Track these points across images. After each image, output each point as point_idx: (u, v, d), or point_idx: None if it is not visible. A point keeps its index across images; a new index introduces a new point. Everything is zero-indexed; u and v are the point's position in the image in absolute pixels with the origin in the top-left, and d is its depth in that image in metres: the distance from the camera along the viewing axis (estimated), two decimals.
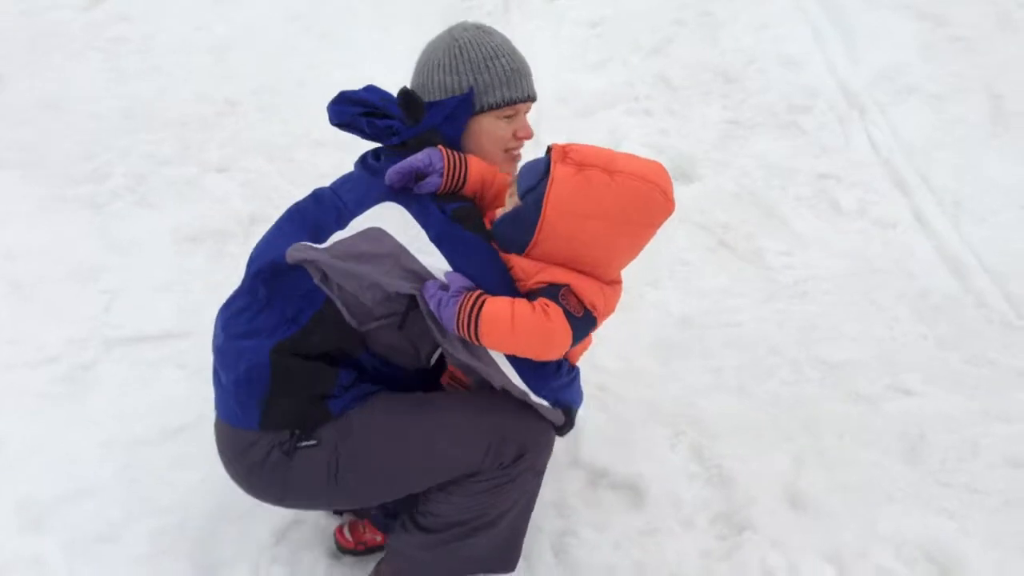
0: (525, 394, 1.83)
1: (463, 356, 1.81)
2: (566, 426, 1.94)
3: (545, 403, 1.85)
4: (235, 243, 3.27)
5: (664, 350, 2.89)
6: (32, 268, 3.06)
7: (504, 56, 1.93)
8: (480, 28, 1.97)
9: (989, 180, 3.38)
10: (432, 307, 1.73)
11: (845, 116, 3.83)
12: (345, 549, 2.25)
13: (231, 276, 2.12)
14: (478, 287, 1.74)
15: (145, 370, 2.73)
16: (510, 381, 1.82)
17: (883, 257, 3.20)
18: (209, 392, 1.96)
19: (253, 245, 1.93)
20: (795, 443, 2.49)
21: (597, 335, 1.86)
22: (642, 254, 1.81)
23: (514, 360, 1.80)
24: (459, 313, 1.70)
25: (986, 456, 2.43)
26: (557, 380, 1.86)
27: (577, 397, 1.95)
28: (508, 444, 1.86)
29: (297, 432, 1.85)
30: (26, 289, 2.99)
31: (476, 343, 1.74)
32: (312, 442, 1.85)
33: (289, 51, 4.62)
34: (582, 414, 2.16)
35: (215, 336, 1.93)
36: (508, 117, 1.94)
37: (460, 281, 1.73)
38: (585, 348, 1.95)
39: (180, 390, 2.63)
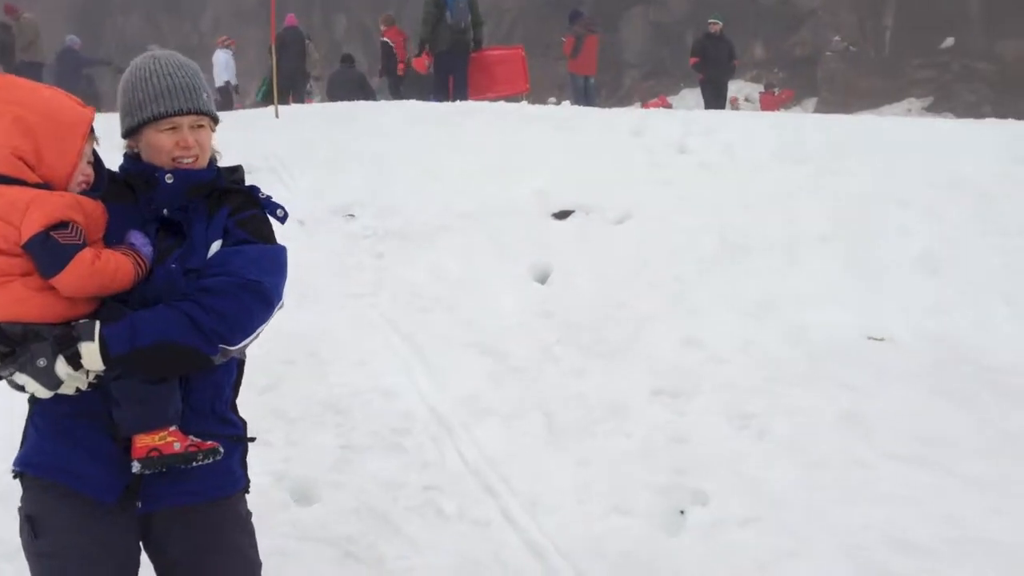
0: None
1: None
2: None
3: None
4: None
5: None
6: None
7: (160, 76, 2.21)
8: (153, 55, 2.27)
9: (553, 481, 4.24)
10: None
11: (438, 436, 4.58)
12: None
13: None
14: None
15: None
16: None
17: (482, 550, 3.82)
18: None
19: None
20: None
21: None
22: None
23: None
24: None
25: None
26: None
27: None
28: None
29: None
30: None
31: None
32: None
33: None
34: None
35: None
36: (170, 129, 2.22)
37: None
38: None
39: None
